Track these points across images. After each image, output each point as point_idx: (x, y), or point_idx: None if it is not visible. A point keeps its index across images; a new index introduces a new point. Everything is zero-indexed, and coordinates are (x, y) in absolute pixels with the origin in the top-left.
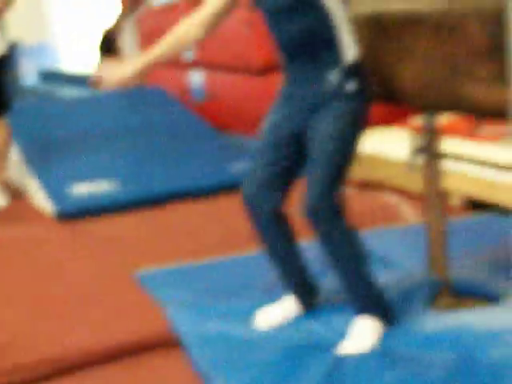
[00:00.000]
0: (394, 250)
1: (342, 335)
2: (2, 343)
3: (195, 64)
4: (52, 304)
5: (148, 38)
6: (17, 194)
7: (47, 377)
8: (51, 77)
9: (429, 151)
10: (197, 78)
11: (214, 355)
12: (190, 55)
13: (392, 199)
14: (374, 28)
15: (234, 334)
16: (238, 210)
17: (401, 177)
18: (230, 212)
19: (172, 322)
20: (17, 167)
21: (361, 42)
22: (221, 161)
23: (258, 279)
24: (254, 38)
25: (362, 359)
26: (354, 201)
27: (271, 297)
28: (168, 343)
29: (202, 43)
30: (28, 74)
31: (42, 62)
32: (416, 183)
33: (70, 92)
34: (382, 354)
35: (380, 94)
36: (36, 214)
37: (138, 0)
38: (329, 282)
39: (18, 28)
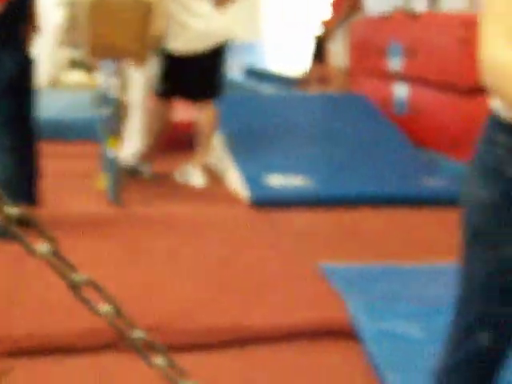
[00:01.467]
0: None
1: None
2: (185, 309)
3: (401, 76)
4: (235, 282)
5: (358, 47)
6: (215, 178)
7: (223, 344)
8: (256, 74)
9: None
10: (401, 91)
11: (390, 353)
12: (397, 66)
13: None
14: None
15: (413, 336)
16: (423, 223)
17: None
18: (416, 223)
19: (352, 315)
20: (218, 153)
21: None
22: (414, 174)
23: (439, 288)
24: (466, 57)
25: None
26: None
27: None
28: (346, 335)
29: (411, 56)
30: (234, 69)
31: (248, 60)
32: None
33: (273, 90)
34: None
35: None
36: (231, 199)
37: (355, 7)
38: None
39: (234, 24)
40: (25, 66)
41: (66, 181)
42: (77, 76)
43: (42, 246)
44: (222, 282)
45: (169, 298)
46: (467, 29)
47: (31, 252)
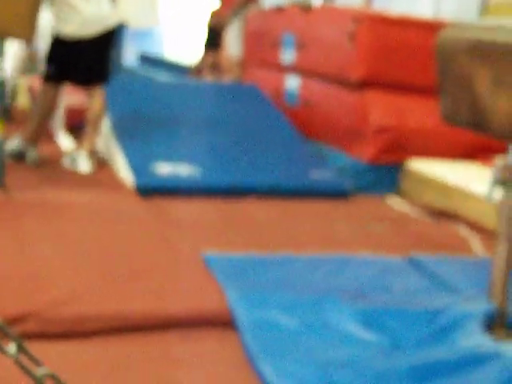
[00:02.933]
0: (458, 277)
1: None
2: (63, 295)
3: (293, 68)
4: (115, 270)
5: (253, 38)
6: (102, 164)
7: (96, 333)
8: (150, 61)
9: (507, 186)
10: (293, 83)
11: (264, 343)
12: (289, 58)
13: (464, 231)
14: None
15: (289, 326)
16: (307, 214)
17: (477, 210)
18: (300, 215)
19: (230, 304)
20: (105, 138)
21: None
22: (301, 165)
23: (318, 279)
24: (355, 51)
25: None
26: (429, 228)
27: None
28: (223, 324)
29: (303, 48)
30: (129, 56)
31: (144, 46)
32: (491, 218)
33: (166, 78)
34: None
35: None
36: (117, 186)
37: (249, 1)
38: None
39: (127, 11)
40: None
41: None
42: None
43: None
44: (102, 269)
45: (46, 285)
46: (357, 24)
47: None
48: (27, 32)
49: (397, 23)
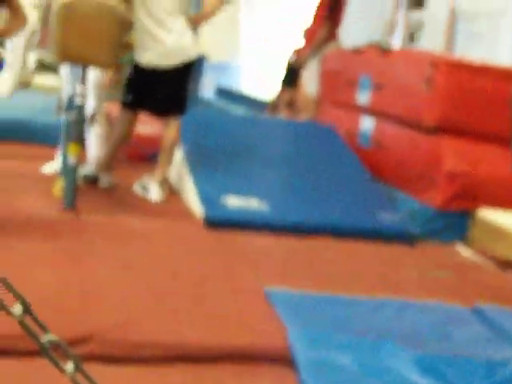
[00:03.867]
0: None
1: None
2: (124, 320)
3: (368, 110)
4: (177, 298)
5: (330, 78)
6: (173, 194)
7: (158, 359)
8: (227, 94)
9: None
10: (367, 124)
11: (323, 382)
12: (364, 99)
13: None
14: None
15: (349, 367)
16: (374, 257)
17: None
18: (367, 258)
19: (290, 341)
20: (177, 168)
21: None
22: (370, 207)
23: (381, 322)
24: (431, 95)
25: None
26: (496, 278)
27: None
28: (283, 361)
29: (379, 90)
30: (207, 88)
31: (221, 79)
32: None
33: (242, 112)
34: None
35: None
36: (186, 216)
37: (330, 37)
38: None
39: (208, 43)
40: None
41: (27, 183)
42: (47, 79)
43: None
44: (164, 296)
45: (106, 307)
46: (434, 68)
47: None
48: (109, 60)
49: (474, 70)
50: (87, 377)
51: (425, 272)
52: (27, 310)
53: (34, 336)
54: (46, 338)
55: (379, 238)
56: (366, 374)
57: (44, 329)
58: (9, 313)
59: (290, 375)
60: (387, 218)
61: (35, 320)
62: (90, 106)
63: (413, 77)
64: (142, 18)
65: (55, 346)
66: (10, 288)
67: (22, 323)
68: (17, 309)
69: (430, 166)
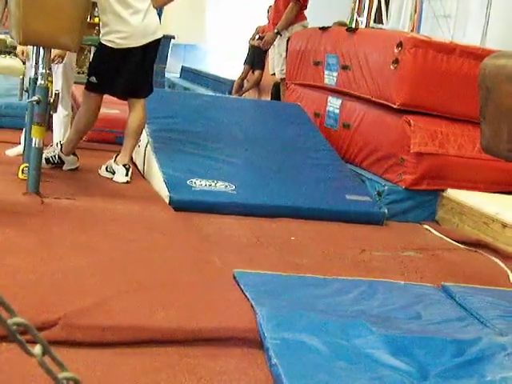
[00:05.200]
0: (491, 309)
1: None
2: (91, 304)
3: (335, 90)
4: (145, 281)
5: (295, 58)
6: (139, 176)
7: (127, 343)
8: (193, 75)
9: None
10: (334, 104)
11: (291, 364)
12: (331, 80)
13: (501, 262)
14: None
15: (316, 348)
16: (343, 239)
17: None
18: (335, 238)
19: (259, 323)
20: (143, 149)
21: None
22: (340, 188)
23: (347, 302)
24: (398, 75)
25: None
26: (464, 257)
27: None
28: (251, 343)
29: (348, 72)
30: (172, 69)
31: (187, 61)
32: None
33: (207, 92)
34: None
35: None
36: (152, 198)
37: (297, 18)
38: None
39: (176, 26)
40: None
41: None
42: (8, 61)
43: None
44: (131, 280)
45: (74, 293)
46: (401, 48)
47: None
48: (74, 43)
49: (441, 49)
50: (55, 360)
51: (394, 252)
52: None
53: (0, 319)
54: (13, 321)
55: (348, 220)
56: (335, 354)
57: (11, 312)
58: None
59: (260, 356)
60: (356, 199)
61: (1, 303)
62: (55, 87)
63: (380, 56)
64: None
65: (23, 330)
66: None
67: None
68: None
69: (398, 147)
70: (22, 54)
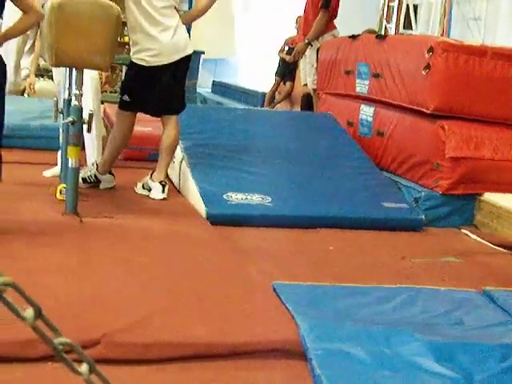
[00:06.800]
0: None
1: None
2: (133, 321)
3: (367, 98)
4: (185, 297)
5: (325, 67)
6: (175, 192)
7: (170, 359)
8: (224, 89)
9: None
10: (367, 113)
11: (335, 374)
12: (363, 88)
13: None
14: None
15: (359, 357)
16: (382, 247)
17: None
18: (374, 247)
19: (300, 334)
20: (178, 166)
21: None
22: (376, 196)
23: (388, 310)
24: (430, 80)
25: None
26: (504, 261)
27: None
28: (294, 354)
29: (380, 80)
30: (204, 84)
31: (218, 75)
32: None
33: (239, 106)
34: None
35: None
36: (189, 213)
37: (327, 28)
38: None
39: (205, 41)
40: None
41: (28, 189)
42: (41, 83)
43: None
44: (171, 295)
45: (116, 310)
46: (432, 53)
47: None
48: (106, 62)
49: (473, 52)
50: (102, 378)
51: (434, 258)
52: (39, 314)
53: (47, 339)
54: (58, 341)
55: (386, 227)
56: (378, 363)
57: (56, 332)
58: (21, 318)
59: (303, 368)
60: (393, 206)
61: (47, 324)
62: (87, 108)
63: (411, 62)
64: (137, 17)
65: (68, 349)
66: (20, 293)
67: (34, 328)
68: (28, 313)
69: (434, 152)
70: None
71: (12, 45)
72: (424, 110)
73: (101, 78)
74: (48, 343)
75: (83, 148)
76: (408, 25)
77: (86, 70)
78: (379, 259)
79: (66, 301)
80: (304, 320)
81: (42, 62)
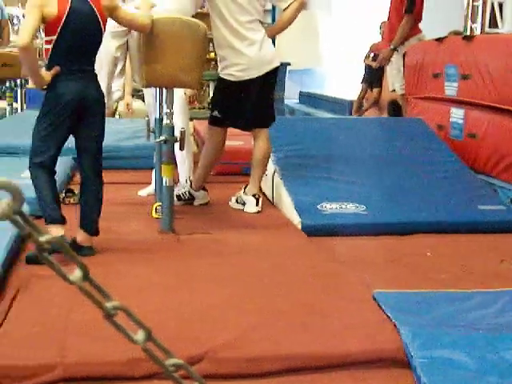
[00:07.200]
0: None
1: None
2: (236, 336)
3: (457, 100)
4: (286, 310)
5: (413, 72)
6: (269, 205)
7: (276, 373)
8: (311, 99)
9: None
10: (458, 115)
11: (442, 381)
12: (452, 91)
13: None
14: None
15: (466, 364)
16: (479, 251)
17: None
18: (472, 251)
19: (405, 343)
20: (271, 178)
21: None
22: (471, 200)
23: (493, 316)
24: None
25: None
26: None
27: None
28: (399, 363)
29: (469, 81)
30: (291, 95)
31: (305, 85)
32: None
33: (327, 115)
34: None
35: None
36: (284, 225)
37: (412, 32)
38: None
39: (290, 52)
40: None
41: (125, 208)
42: (134, 104)
43: (75, 273)
44: (271, 308)
45: (217, 325)
46: None
47: (64, 278)
48: (195, 80)
49: None
50: None
51: None
52: (149, 336)
53: (159, 362)
54: (170, 362)
55: (483, 230)
56: (485, 369)
57: (167, 353)
58: (133, 341)
59: (409, 376)
60: (490, 209)
61: (158, 345)
62: (177, 126)
63: (501, 61)
64: (223, 33)
65: (177, 368)
66: (130, 316)
67: (146, 350)
68: (140, 336)
69: None
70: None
71: (103, 68)
72: None
73: (190, 96)
74: (160, 365)
75: (176, 166)
76: (494, 24)
77: (175, 89)
78: (478, 263)
79: (166, 318)
80: (406, 328)
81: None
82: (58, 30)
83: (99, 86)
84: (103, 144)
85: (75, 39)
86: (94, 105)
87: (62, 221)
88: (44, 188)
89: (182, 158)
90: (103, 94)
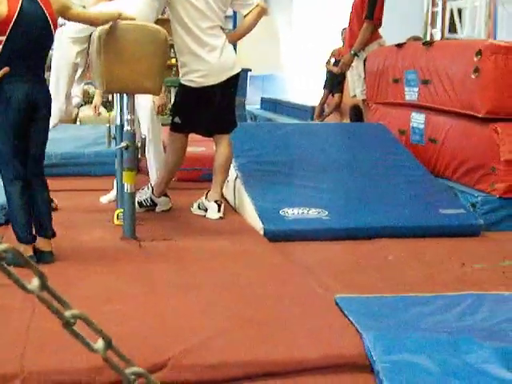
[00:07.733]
0: None
1: None
2: (197, 343)
3: (417, 106)
4: (248, 316)
5: (373, 77)
6: (230, 211)
7: (235, 379)
8: (272, 105)
9: None
10: (418, 120)
11: None
12: (413, 96)
13: None
14: None
15: (428, 367)
16: (441, 254)
17: None
18: (433, 254)
19: (366, 347)
20: (232, 184)
21: None
22: (433, 204)
23: (453, 319)
24: (481, 83)
25: None
26: None
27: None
28: (362, 368)
29: (429, 86)
30: (253, 101)
31: (266, 91)
32: None
33: (289, 120)
34: None
35: None
36: (246, 231)
37: (373, 37)
38: None
39: (251, 58)
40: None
41: (86, 215)
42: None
43: (33, 282)
44: (234, 315)
45: (180, 332)
46: (480, 56)
47: (22, 287)
48: (156, 86)
49: None
50: None
51: (495, 263)
52: (109, 344)
53: (119, 370)
54: (131, 371)
55: (445, 234)
56: (447, 372)
57: (127, 361)
58: (93, 350)
59: (371, 381)
60: (451, 213)
61: (118, 354)
62: (143, 132)
63: (460, 66)
64: (184, 39)
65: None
66: (90, 325)
67: (106, 359)
68: (99, 345)
69: (488, 156)
70: (95, 110)
71: (63, 73)
72: (476, 114)
73: (158, 106)
74: (120, 374)
75: (138, 172)
76: (453, 29)
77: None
78: (439, 267)
79: (129, 326)
80: (368, 333)
81: (91, 89)
82: (8, 30)
83: (48, 90)
84: (64, 150)
85: (24, 41)
86: (44, 107)
87: (32, 240)
88: (17, 208)
89: (151, 163)
90: (51, 97)
